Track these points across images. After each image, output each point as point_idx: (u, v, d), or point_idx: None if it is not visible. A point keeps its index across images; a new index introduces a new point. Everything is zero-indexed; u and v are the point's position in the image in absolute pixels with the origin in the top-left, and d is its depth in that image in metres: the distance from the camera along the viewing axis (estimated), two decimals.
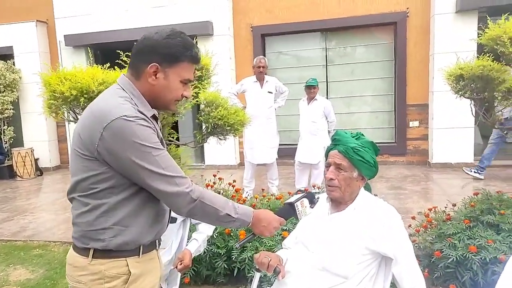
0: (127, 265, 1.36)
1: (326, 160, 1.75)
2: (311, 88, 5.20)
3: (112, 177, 1.29)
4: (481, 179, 5.79)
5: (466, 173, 5.88)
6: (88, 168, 1.30)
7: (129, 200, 1.33)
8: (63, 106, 2.77)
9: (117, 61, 3.07)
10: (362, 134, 1.74)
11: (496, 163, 6.71)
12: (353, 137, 1.71)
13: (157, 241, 1.49)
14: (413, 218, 3.16)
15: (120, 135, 1.24)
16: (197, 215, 1.35)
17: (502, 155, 7.77)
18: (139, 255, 1.39)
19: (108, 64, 3.16)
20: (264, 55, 7.32)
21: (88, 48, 7.42)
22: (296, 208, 1.57)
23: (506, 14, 2.91)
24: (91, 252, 1.34)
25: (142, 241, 1.38)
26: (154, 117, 1.39)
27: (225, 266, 2.92)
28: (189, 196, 1.30)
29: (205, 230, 2.38)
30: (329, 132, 5.35)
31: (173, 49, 1.33)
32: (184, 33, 1.37)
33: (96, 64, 3.24)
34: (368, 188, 1.77)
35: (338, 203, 1.72)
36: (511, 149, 8.61)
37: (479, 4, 6.37)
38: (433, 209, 3.14)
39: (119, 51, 3.05)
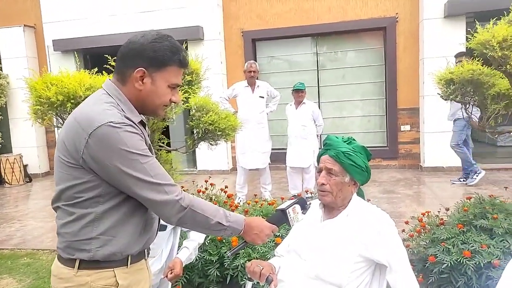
0: (115, 276, 1.31)
1: (318, 165, 1.73)
2: (299, 92, 5.20)
3: (98, 185, 1.25)
4: (471, 184, 5.82)
5: (455, 183, 5.91)
6: (73, 176, 1.25)
7: (116, 209, 1.29)
8: (50, 111, 2.72)
9: (105, 65, 3.02)
10: (354, 139, 1.73)
11: (485, 167, 6.76)
12: (344, 141, 1.70)
13: (146, 250, 1.44)
14: (407, 223, 3.15)
15: (106, 142, 1.20)
16: (187, 223, 1.31)
17: (491, 159, 7.87)
18: (127, 265, 1.34)
19: (96, 69, 3.12)
20: (255, 60, 7.32)
21: (75, 53, 7.35)
22: (288, 215, 1.55)
23: (494, 19, 2.93)
24: (77, 263, 1.30)
25: (130, 251, 1.34)
26: (141, 123, 1.35)
27: (218, 273, 2.87)
28: (178, 204, 1.26)
29: (197, 237, 2.33)
30: (317, 136, 5.35)
31: (160, 53, 1.29)
32: (171, 37, 1.33)
33: (86, 69, 3.19)
34: (361, 194, 1.75)
35: (330, 209, 1.69)
36: (501, 152, 8.73)
37: (466, 9, 6.46)
38: (426, 214, 3.13)
39: (107, 55, 3.00)
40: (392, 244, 1.54)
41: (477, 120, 5.25)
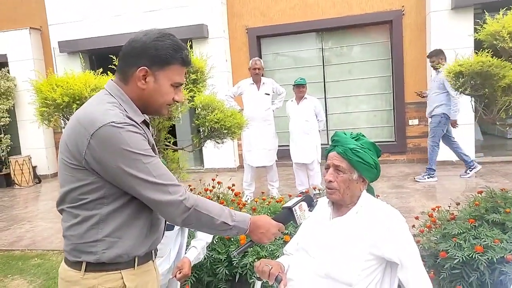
0: (122, 278, 1.30)
1: (324, 161, 1.70)
2: (300, 87, 5.17)
3: (102, 186, 1.24)
4: (477, 170, 5.75)
5: (464, 177, 5.83)
6: (77, 178, 1.24)
7: (121, 210, 1.27)
8: (56, 113, 2.73)
9: (110, 66, 3.02)
10: (363, 135, 1.69)
11: (495, 160, 6.69)
12: (353, 138, 1.66)
13: (153, 251, 1.43)
14: (417, 218, 3.11)
15: (108, 143, 1.18)
16: (192, 224, 1.30)
17: (501, 151, 7.76)
18: (134, 267, 1.33)
19: (101, 70, 3.11)
20: (260, 57, 7.29)
21: (80, 54, 7.38)
22: (295, 212, 1.52)
23: (504, 9, 2.87)
24: (83, 265, 1.29)
25: (136, 253, 1.32)
26: (144, 122, 1.34)
27: (226, 272, 2.86)
28: (183, 205, 1.25)
29: (204, 236, 2.32)
30: (319, 131, 5.31)
31: (162, 52, 1.27)
32: (173, 35, 1.31)
33: (91, 70, 3.19)
34: (371, 191, 1.71)
35: (339, 207, 1.66)
36: (511, 144, 8.61)
37: (474, 0, 6.35)
38: (436, 209, 3.09)
39: (112, 56, 3.00)
40: (403, 240, 1.51)
41: (456, 119, 5.31)
